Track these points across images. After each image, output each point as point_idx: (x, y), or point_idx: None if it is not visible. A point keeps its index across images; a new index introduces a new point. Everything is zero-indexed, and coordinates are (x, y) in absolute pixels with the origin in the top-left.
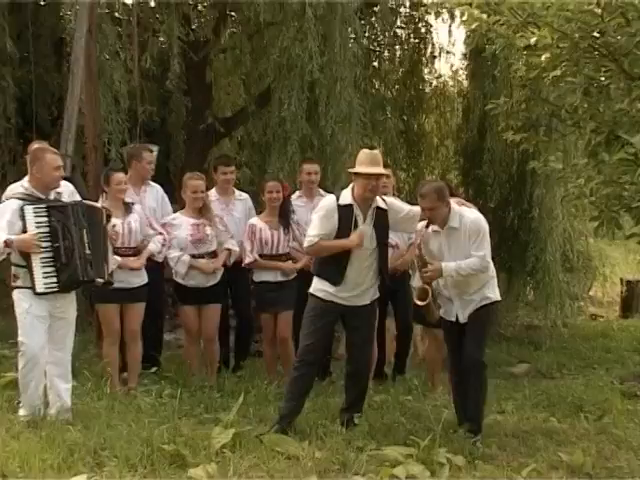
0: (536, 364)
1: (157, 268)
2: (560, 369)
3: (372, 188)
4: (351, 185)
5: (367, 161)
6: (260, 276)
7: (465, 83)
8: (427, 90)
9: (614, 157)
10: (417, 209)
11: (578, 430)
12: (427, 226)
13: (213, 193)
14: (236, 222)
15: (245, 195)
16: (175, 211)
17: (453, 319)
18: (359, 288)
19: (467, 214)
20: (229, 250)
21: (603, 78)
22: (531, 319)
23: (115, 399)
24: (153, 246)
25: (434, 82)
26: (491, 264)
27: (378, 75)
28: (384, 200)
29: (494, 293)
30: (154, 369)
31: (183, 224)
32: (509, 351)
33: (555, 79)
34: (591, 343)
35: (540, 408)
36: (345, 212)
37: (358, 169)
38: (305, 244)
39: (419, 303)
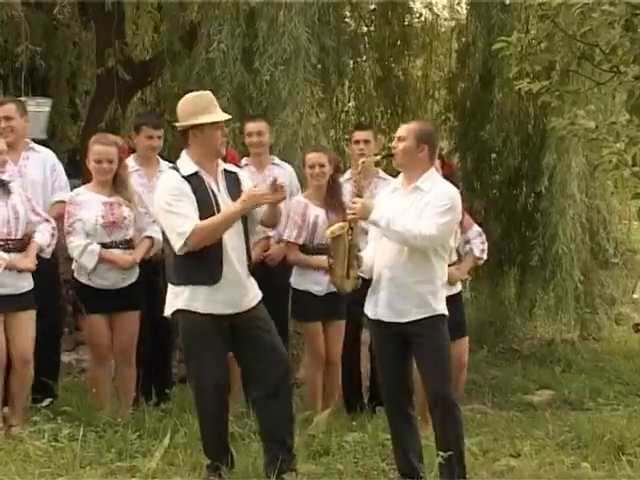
0: (562, 391)
1: (50, 266)
2: (594, 397)
3: (222, 141)
4: (184, 151)
5: (205, 106)
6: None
7: (464, 14)
8: (414, 24)
9: None
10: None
11: (619, 479)
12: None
13: (131, 163)
14: None
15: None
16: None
17: (377, 317)
18: (242, 282)
19: (444, 183)
20: (151, 239)
21: None
22: (554, 331)
23: None
24: (40, 237)
25: (423, 12)
26: (441, 259)
27: (348, 3)
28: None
29: (440, 305)
30: (47, 401)
31: (92, 202)
32: (526, 374)
33: (586, 8)
34: (636, 362)
35: (568, 450)
36: (196, 184)
37: (203, 119)
38: (177, 245)
39: (328, 234)
